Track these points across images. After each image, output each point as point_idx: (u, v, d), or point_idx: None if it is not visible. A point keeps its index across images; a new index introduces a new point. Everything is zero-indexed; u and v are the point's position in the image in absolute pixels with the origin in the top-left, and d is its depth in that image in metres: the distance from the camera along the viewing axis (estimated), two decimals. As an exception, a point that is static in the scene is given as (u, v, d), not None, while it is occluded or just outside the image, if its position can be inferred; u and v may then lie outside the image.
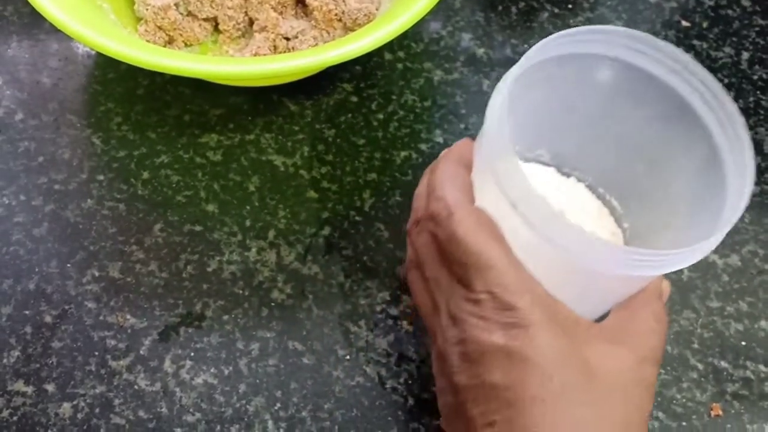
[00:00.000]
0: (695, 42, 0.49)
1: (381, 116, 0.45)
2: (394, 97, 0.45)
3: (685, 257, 0.26)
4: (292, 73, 0.37)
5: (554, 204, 0.28)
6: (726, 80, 0.48)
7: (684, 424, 0.35)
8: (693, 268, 0.40)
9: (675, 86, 0.29)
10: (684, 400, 0.36)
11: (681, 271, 0.40)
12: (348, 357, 0.36)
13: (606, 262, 0.25)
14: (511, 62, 0.47)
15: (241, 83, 0.44)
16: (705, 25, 0.50)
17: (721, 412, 0.36)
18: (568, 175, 0.35)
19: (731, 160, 0.28)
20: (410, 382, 0.36)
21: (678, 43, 0.49)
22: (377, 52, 0.47)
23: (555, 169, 0.35)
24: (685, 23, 0.50)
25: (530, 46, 0.48)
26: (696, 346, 0.38)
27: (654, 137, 0.31)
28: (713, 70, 0.48)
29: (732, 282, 0.40)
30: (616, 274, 0.26)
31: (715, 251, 0.40)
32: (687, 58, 0.29)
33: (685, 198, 0.30)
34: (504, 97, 0.27)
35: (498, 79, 0.46)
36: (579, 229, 0.25)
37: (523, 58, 0.28)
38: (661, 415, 0.35)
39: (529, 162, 0.35)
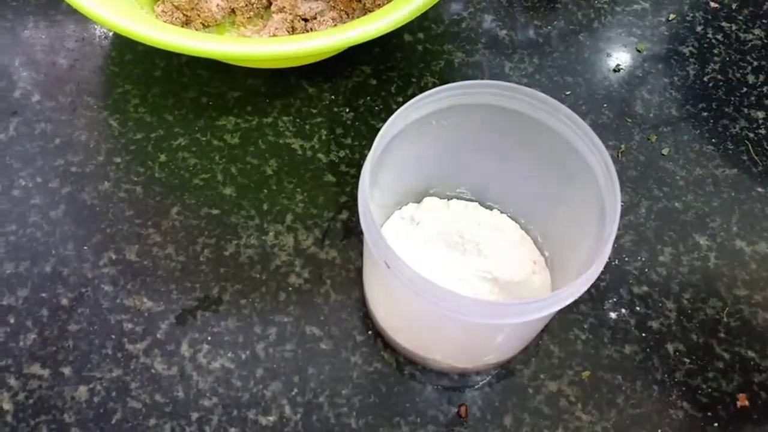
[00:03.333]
0: (724, 24, 0.48)
1: (400, 99, 0.44)
2: (413, 79, 0.45)
3: (546, 304, 0.27)
4: (311, 54, 0.36)
5: (472, 235, 0.35)
6: (755, 63, 0.46)
7: (709, 414, 0.34)
8: (720, 255, 0.39)
9: (553, 126, 0.31)
10: (709, 390, 0.35)
11: (707, 258, 0.39)
12: (366, 342, 0.36)
13: (469, 313, 0.27)
14: (533, 44, 0.46)
15: (259, 65, 0.43)
16: (734, 6, 0.49)
17: (747, 403, 0.35)
18: (491, 208, 0.38)
19: (609, 207, 0.29)
20: (428, 368, 0.35)
21: (706, 24, 0.48)
22: (396, 34, 0.46)
23: (477, 203, 0.38)
24: (713, 4, 0.49)
25: (554, 28, 0.47)
26: (722, 335, 0.37)
27: (551, 174, 0.33)
28: (742, 53, 0.46)
29: (760, 270, 0.38)
30: (483, 322, 0.27)
31: (743, 238, 0.39)
32: (554, 102, 0.31)
33: (586, 232, 0.31)
34: (365, 180, 0.29)
35: (520, 62, 0.46)
36: (434, 284, 0.26)
37: (381, 131, 0.30)
38: (686, 405, 0.35)
39: (452, 199, 0.38)
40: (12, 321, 0.36)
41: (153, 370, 0.35)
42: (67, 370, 0.35)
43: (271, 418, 0.34)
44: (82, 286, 0.37)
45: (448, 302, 0.26)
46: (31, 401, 0.34)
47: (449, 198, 0.38)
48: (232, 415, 0.34)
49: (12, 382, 0.35)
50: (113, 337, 0.36)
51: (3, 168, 0.41)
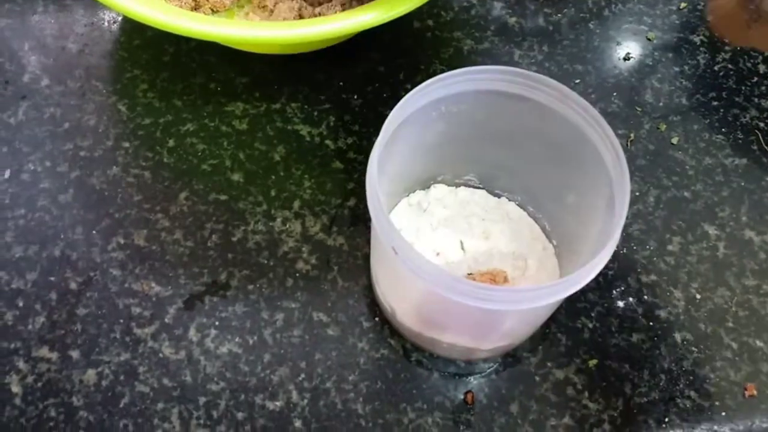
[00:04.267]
0: None
1: (409, 86, 0.44)
2: (422, 66, 0.44)
3: (553, 291, 0.26)
4: (319, 39, 0.36)
5: (479, 222, 0.35)
6: (766, 52, 0.46)
7: (717, 403, 0.34)
8: (729, 245, 0.39)
9: (563, 113, 0.31)
10: (717, 380, 0.35)
11: (716, 247, 0.39)
12: (373, 329, 0.36)
13: (475, 299, 0.26)
14: (543, 32, 0.46)
15: (267, 50, 0.43)
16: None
17: (755, 392, 0.35)
18: (499, 196, 0.38)
19: (619, 200, 0.29)
20: (435, 355, 0.35)
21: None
22: (406, 21, 0.46)
23: (485, 191, 0.38)
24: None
25: (564, 16, 0.47)
26: (730, 324, 0.36)
27: (560, 162, 0.33)
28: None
29: (769, 260, 0.38)
30: (489, 308, 0.27)
31: (752, 228, 0.39)
32: (565, 89, 0.31)
33: (595, 221, 0.31)
34: (374, 166, 0.29)
35: (529, 50, 0.45)
36: (437, 267, 0.26)
37: (390, 116, 0.30)
38: (693, 394, 0.35)
39: (459, 186, 0.38)
40: (21, 304, 0.36)
41: (161, 355, 0.35)
42: (75, 354, 0.35)
43: (278, 403, 0.34)
44: (90, 270, 0.37)
45: (455, 288, 0.26)
46: (39, 384, 0.34)
47: (457, 185, 0.38)
48: (239, 400, 0.34)
49: (21, 365, 0.35)
50: (121, 321, 0.36)
51: (12, 152, 0.41)
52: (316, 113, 0.42)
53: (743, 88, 0.45)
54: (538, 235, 0.36)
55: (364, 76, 0.44)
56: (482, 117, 0.33)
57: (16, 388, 0.34)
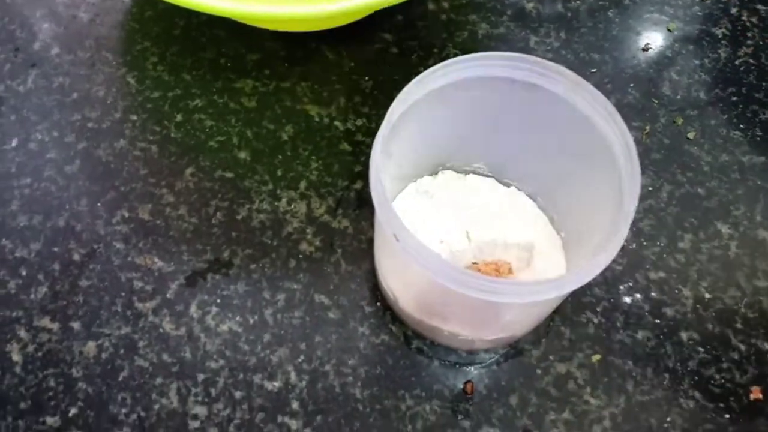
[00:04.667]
0: (760, 6, 0.46)
1: (421, 69, 0.42)
2: (435, 50, 0.44)
3: (556, 286, 0.26)
4: (331, 16, 0.35)
5: (486, 210, 0.35)
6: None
7: (721, 405, 0.34)
8: (741, 244, 0.38)
9: (575, 103, 0.30)
10: (722, 381, 0.34)
11: (728, 246, 0.38)
12: (374, 314, 0.36)
13: (477, 290, 0.26)
14: (561, 18, 0.45)
15: (278, 27, 0.43)
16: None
17: (761, 396, 0.34)
18: (508, 185, 0.37)
19: (627, 190, 0.28)
20: (436, 343, 0.35)
21: (741, 6, 0.46)
22: (420, 2, 0.45)
23: (494, 179, 0.37)
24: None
25: (583, 3, 0.46)
26: (739, 325, 0.36)
27: (570, 153, 0.32)
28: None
29: (782, 262, 0.38)
30: (489, 300, 0.26)
31: (766, 228, 0.38)
32: (577, 78, 0.30)
33: (604, 214, 0.30)
34: (377, 150, 0.28)
35: (546, 36, 0.44)
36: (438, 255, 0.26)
37: (396, 100, 0.29)
38: (697, 395, 0.34)
39: (468, 174, 0.37)
40: (24, 273, 0.36)
41: (161, 330, 0.35)
42: (76, 325, 0.35)
43: (276, 384, 0.34)
44: (94, 242, 0.37)
45: (455, 278, 0.26)
46: (40, 354, 0.34)
47: (466, 173, 0.37)
48: (237, 379, 0.34)
49: (22, 333, 0.35)
50: (123, 294, 0.36)
51: (20, 121, 0.40)
52: (325, 93, 0.42)
53: (764, 84, 0.44)
54: (545, 227, 0.36)
55: (376, 58, 0.43)
56: (492, 104, 0.33)
57: (16, 357, 0.34)
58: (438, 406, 0.34)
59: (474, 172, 0.37)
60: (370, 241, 0.37)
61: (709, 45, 0.45)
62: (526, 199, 0.37)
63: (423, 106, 0.31)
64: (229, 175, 0.39)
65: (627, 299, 0.36)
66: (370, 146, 0.40)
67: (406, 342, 0.35)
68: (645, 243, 0.38)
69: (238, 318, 0.35)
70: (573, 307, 0.36)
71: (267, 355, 0.35)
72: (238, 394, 0.34)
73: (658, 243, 0.38)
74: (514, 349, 0.35)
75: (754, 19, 0.46)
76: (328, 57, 0.43)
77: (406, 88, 0.29)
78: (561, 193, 0.35)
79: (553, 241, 0.35)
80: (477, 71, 0.31)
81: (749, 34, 0.45)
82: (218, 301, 0.36)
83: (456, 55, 0.43)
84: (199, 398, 0.34)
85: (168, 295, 0.36)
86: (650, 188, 0.40)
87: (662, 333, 0.35)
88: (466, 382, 0.34)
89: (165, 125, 0.41)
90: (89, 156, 0.39)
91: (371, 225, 0.38)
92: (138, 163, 0.39)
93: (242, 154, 0.40)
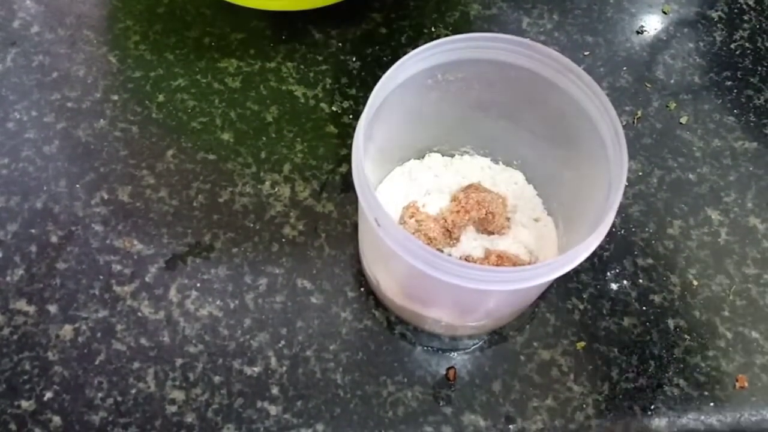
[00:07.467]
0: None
1: (410, 50, 0.42)
2: (425, 30, 0.43)
3: (538, 274, 0.25)
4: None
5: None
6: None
7: (706, 393, 0.33)
8: (731, 231, 0.37)
9: (564, 86, 0.30)
10: (708, 369, 0.34)
11: (718, 233, 0.37)
12: (357, 299, 0.35)
13: (458, 276, 0.25)
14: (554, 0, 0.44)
15: (266, 5, 0.42)
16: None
17: (746, 384, 0.34)
18: (506, 165, 0.36)
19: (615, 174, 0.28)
20: (419, 329, 0.34)
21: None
22: (411, -18, 0.44)
23: (490, 159, 0.36)
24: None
25: (576, -16, 0.45)
26: (726, 313, 0.35)
27: (559, 136, 0.32)
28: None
29: (772, 249, 0.37)
30: (468, 287, 0.26)
31: (757, 215, 0.38)
32: (566, 60, 0.29)
33: (593, 198, 0.30)
34: (360, 134, 0.28)
35: (539, 17, 0.44)
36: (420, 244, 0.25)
37: (381, 82, 0.28)
38: (682, 382, 0.34)
39: (463, 155, 0.36)
40: (0, 255, 0.36)
41: (139, 314, 0.34)
42: (53, 308, 0.34)
43: (256, 369, 0.33)
44: (72, 224, 0.36)
45: (434, 263, 0.25)
46: (15, 337, 0.34)
47: (453, 157, 0.37)
48: (217, 364, 0.34)
49: (-2, 316, 0.34)
50: (101, 277, 0.35)
51: (-2, 100, 0.40)
52: (312, 74, 0.41)
53: (759, 68, 0.43)
54: (538, 207, 0.35)
55: (364, 38, 0.42)
56: (480, 87, 0.32)
57: (-8, 340, 0.34)
58: (420, 392, 0.33)
59: (467, 154, 0.36)
60: (355, 226, 0.37)
61: (705, 28, 0.44)
62: (522, 180, 0.36)
63: (410, 88, 0.30)
64: (211, 157, 0.38)
65: (614, 286, 0.36)
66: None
67: (389, 327, 0.35)
68: (634, 229, 0.37)
69: (218, 302, 0.35)
70: (559, 293, 0.35)
71: (247, 340, 0.34)
72: (217, 379, 0.33)
73: (647, 229, 0.37)
74: (498, 336, 0.34)
75: (751, 2, 0.45)
76: (315, 37, 0.42)
77: (390, 70, 0.29)
78: (550, 177, 0.34)
79: (546, 224, 0.34)
80: (464, 53, 0.30)
81: (746, 17, 0.44)
82: (198, 285, 0.35)
83: (447, 35, 0.42)
84: (177, 383, 0.33)
85: (147, 279, 0.35)
86: (640, 173, 0.39)
87: (649, 320, 0.35)
88: (448, 369, 0.34)
89: (146, 105, 0.40)
90: (68, 136, 0.39)
91: (356, 209, 0.37)
92: (118, 144, 0.39)
93: (225, 136, 0.39)
